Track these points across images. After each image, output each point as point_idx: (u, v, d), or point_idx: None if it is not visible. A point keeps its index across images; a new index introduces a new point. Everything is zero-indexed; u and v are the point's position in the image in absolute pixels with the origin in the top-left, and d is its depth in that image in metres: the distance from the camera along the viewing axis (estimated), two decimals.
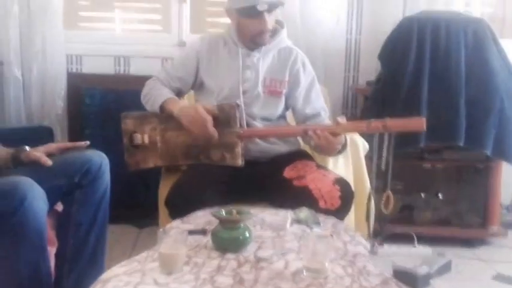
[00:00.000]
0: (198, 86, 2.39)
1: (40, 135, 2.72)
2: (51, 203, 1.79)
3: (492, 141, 2.76)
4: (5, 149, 1.88)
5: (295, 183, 2.10)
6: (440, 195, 2.93)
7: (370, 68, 3.10)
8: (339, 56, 3.14)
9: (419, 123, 1.99)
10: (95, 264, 1.91)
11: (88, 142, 1.97)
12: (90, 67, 3.13)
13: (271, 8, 2.18)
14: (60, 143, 2.10)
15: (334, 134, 2.05)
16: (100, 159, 1.92)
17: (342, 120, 2.06)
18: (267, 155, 2.29)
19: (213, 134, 2.14)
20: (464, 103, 2.75)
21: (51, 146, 1.94)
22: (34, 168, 1.81)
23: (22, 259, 1.63)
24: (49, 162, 1.83)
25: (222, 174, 2.15)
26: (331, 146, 2.08)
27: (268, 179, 2.18)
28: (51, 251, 1.83)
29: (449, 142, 2.79)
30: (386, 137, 1.99)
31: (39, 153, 1.86)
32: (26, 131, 2.81)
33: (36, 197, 1.62)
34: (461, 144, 2.74)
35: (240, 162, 2.18)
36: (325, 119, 2.32)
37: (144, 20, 3.34)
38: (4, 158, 1.85)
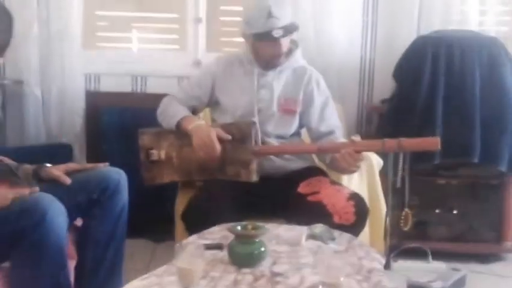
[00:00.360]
0: (213, 104, 2.43)
1: (59, 152, 2.78)
2: (71, 218, 1.80)
3: (507, 157, 2.77)
4: (27, 166, 1.92)
5: (310, 198, 2.12)
6: (455, 211, 2.92)
7: (384, 86, 3.10)
8: (354, 74, 3.16)
9: (433, 142, 2.00)
10: (113, 278, 1.92)
11: (107, 164, 1.99)
12: (108, 86, 3.18)
13: (286, 34, 2.22)
14: (80, 163, 2.11)
15: (358, 152, 2.05)
16: (118, 175, 1.94)
17: (357, 139, 2.07)
18: (282, 171, 2.31)
19: (216, 163, 2.19)
20: (479, 121, 2.76)
21: (71, 166, 1.97)
22: (55, 185, 1.84)
23: (43, 273, 1.64)
24: (68, 180, 1.86)
25: (237, 189, 2.17)
26: (355, 164, 2.07)
27: (282, 194, 2.20)
28: (71, 264, 1.85)
29: (464, 159, 2.79)
30: (401, 155, 2.00)
31: (59, 171, 1.89)
32: (45, 149, 2.86)
33: (57, 212, 1.64)
34: (476, 161, 2.74)
35: (254, 178, 2.21)
36: (340, 136, 2.34)
37: (160, 40, 3.39)
38: (26, 175, 1.88)
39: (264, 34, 2.21)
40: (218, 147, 2.18)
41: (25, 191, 1.67)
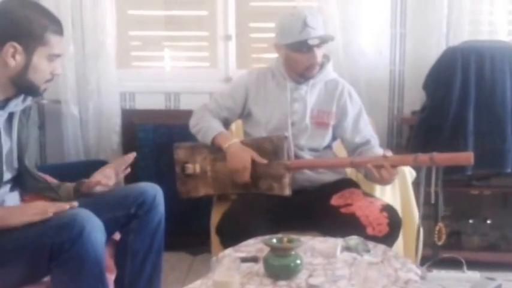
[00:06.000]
0: (245, 116, 2.45)
1: (97, 168, 2.81)
2: (110, 233, 1.84)
3: None
4: (68, 184, 1.96)
5: (343, 210, 2.13)
6: (488, 221, 2.91)
7: (414, 98, 3.10)
8: (383, 87, 3.16)
9: (466, 157, 1.99)
10: None
11: (134, 153, 2.02)
12: (142, 103, 3.24)
13: (321, 43, 2.24)
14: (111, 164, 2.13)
15: (394, 167, 2.06)
16: (154, 191, 1.97)
17: (389, 154, 2.08)
18: (314, 184, 2.33)
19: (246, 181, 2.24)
20: (511, 130, 2.74)
21: (105, 170, 2.00)
22: (93, 201, 1.87)
23: (82, 287, 1.66)
24: (110, 181, 1.92)
25: (270, 202, 2.20)
26: (392, 178, 2.09)
27: (315, 207, 2.21)
28: (111, 277, 1.87)
29: (497, 169, 2.78)
30: (434, 169, 2.00)
31: (98, 176, 1.94)
32: (83, 165, 2.90)
33: (94, 227, 1.65)
34: (508, 170, 2.73)
35: (287, 192, 2.22)
36: (376, 145, 2.34)
37: (192, 58, 3.44)
38: (67, 193, 1.93)
39: (299, 43, 2.22)
40: (248, 176, 2.22)
41: (64, 206, 1.70)
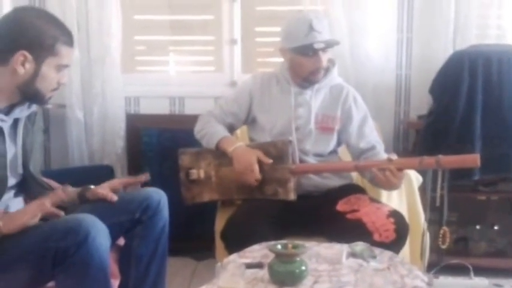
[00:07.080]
0: (250, 121, 2.45)
1: (101, 173, 2.81)
2: (114, 238, 1.83)
3: None
4: (73, 189, 1.97)
5: (349, 216, 2.11)
6: (495, 227, 2.89)
7: (421, 102, 3.09)
8: (390, 91, 3.15)
9: (473, 159, 1.97)
10: None
11: (148, 174, 2.02)
12: (147, 108, 3.25)
13: (327, 47, 2.24)
14: (122, 178, 2.15)
15: (400, 170, 2.04)
16: (159, 196, 1.97)
17: (394, 157, 2.07)
18: (320, 189, 2.32)
19: (255, 184, 2.22)
20: None
21: (115, 182, 2.01)
22: (97, 206, 1.87)
23: None
24: (115, 197, 1.90)
25: (276, 208, 2.18)
26: (399, 182, 2.07)
27: (321, 212, 2.20)
28: (115, 283, 1.87)
29: (504, 174, 2.76)
30: (440, 173, 1.98)
31: (105, 190, 1.93)
32: (88, 170, 2.92)
33: (99, 233, 1.66)
34: None
35: (292, 196, 2.21)
36: (381, 151, 2.33)
37: (197, 62, 3.44)
38: (71, 198, 1.91)
39: (304, 47, 2.22)
40: (258, 173, 2.21)
41: (58, 193, 1.73)
